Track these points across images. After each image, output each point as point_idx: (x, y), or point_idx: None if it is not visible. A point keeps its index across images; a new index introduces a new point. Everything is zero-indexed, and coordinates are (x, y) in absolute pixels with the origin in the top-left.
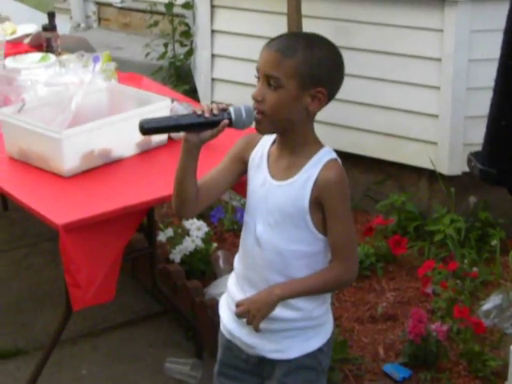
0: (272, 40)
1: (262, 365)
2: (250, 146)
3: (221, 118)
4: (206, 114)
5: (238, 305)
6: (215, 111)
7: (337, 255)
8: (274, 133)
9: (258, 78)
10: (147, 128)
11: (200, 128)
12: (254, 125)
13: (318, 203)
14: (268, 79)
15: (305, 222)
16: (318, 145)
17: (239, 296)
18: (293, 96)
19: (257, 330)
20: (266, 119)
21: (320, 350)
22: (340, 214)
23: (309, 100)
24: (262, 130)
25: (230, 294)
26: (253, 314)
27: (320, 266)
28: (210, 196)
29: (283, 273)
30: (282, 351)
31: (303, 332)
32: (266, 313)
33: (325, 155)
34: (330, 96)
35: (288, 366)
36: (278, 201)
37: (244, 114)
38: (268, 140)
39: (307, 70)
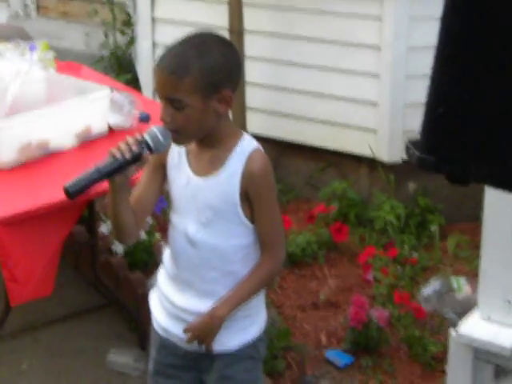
0: (161, 59)
1: (200, 359)
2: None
3: (140, 152)
4: (126, 155)
5: (184, 331)
6: (134, 147)
7: (265, 246)
8: (193, 141)
9: (159, 99)
10: (73, 192)
11: (123, 169)
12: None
13: (246, 195)
14: (171, 102)
15: (237, 215)
16: (238, 134)
17: (178, 297)
18: (200, 109)
19: (211, 351)
20: (181, 136)
21: (259, 338)
22: (266, 204)
23: (216, 105)
24: (181, 145)
25: (163, 291)
26: (202, 339)
27: (254, 256)
28: (145, 212)
29: (221, 268)
30: (222, 344)
31: (240, 322)
32: (214, 335)
33: (247, 146)
34: (235, 89)
35: (228, 357)
36: (207, 198)
37: (161, 137)
38: None
39: (205, 80)
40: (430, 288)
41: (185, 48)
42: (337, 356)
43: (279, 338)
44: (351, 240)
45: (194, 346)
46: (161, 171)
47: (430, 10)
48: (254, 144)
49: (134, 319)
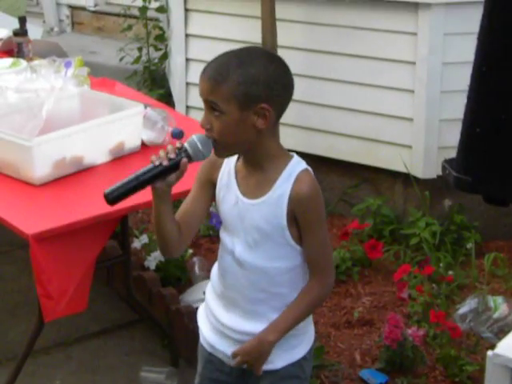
0: (206, 67)
1: (246, 377)
2: (215, 166)
3: (179, 159)
4: (164, 162)
5: (232, 356)
6: (172, 155)
7: (313, 270)
8: (233, 155)
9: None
10: (112, 198)
11: (163, 176)
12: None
13: (294, 217)
14: (210, 105)
15: (284, 238)
16: (286, 156)
17: (223, 314)
18: (236, 119)
19: (258, 373)
20: (219, 146)
21: (304, 358)
22: (315, 227)
23: (255, 118)
24: (221, 156)
25: (210, 307)
26: (251, 364)
27: (301, 278)
28: (192, 229)
29: (267, 290)
30: (269, 362)
31: (287, 341)
32: (264, 361)
33: (295, 167)
34: (280, 109)
35: (273, 376)
36: (254, 220)
37: (200, 146)
38: (233, 156)
39: (242, 90)
40: (466, 307)
41: (229, 57)
42: (371, 375)
43: (313, 357)
44: (386, 257)
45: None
46: (209, 189)
47: (464, 26)
48: (303, 165)
49: (167, 336)
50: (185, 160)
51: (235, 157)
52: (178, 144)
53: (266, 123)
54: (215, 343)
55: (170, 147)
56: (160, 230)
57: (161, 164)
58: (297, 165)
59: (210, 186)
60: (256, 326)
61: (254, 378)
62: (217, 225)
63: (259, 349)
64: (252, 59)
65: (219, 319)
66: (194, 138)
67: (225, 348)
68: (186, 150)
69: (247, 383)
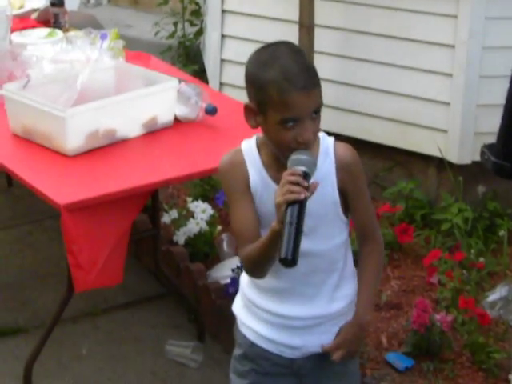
0: (295, 81)
1: (304, 363)
2: (242, 170)
3: (308, 185)
4: (305, 194)
5: (330, 350)
6: (305, 183)
7: (369, 236)
8: None
9: (294, 122)
10: (294, 258)
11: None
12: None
13: (343, 189)
14: (315, 111)
15: (337, 214)
16: None
17: (278, 307)
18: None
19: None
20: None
21: None
22: (364, 190)
23: None
24: None
25: (257, 304)
26: (353, 352)
27: (349, 248)
28: None
29: (327, 269)
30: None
31: (348, 315)
32: (362, 343)
33: (327, 141)
34: None
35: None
36: (307, 208)
37: (308, 158)
38: (250, 151)
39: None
40: (496, 294)
41: (301, 60)
42: (397, 359)
43: None
44: (416, 241)
45: (306, 349)
46: (250, 194)
47: (506, 10)
48: (331, 138)
49: (193, 310)
50: (316, 183)
51: (256, 153)
52: (295, 171)
53: None
54: (274, 337)
55: (293, 178)
56: (267, 263)
57: (305, 197)
58: (327, 139)
59: (248, 191)
60: (320, 308)
61: (311, 363)
62: (220, 203)
63: (361, 334)
64: (300, 49)
65: (276, 312)
66: (302, 156)
67: (284, 339)
68: (305, 173)
69: (304, 371)
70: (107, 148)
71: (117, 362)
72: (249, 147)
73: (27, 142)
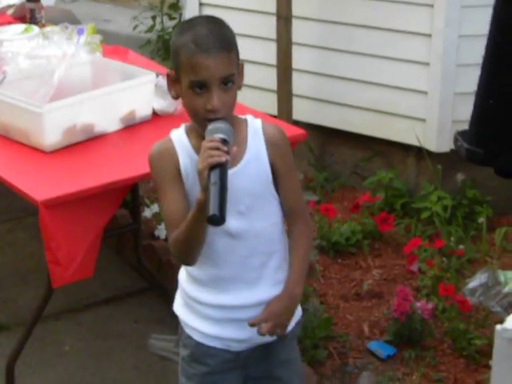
0: (202, 44)
1: (251, 354)
2: (171, 156)
3: (228, 149)
4: (226, 157)
5: (256, 323)
6: (225, 148)
7: (297, 215)
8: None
9: (201, 88)
10: (222, 216)
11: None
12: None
13: (274, 168)
14: (224, 81)
15: (271, 192)
16: (237, 115)
17: (221, 298)
18: (238, 84)
19: (285, 336)
20: (227, 121)
21: (302, 315)
22: (292, 170)
23: (239, 78)
24: None
25: (200, 300)
26: (282, 324)
27: (284, 230)
28: None
29: (266, 251)
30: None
31: None
32: (292, 317)
33: (254, 122)
34: None
35: (284, 340)
36: (242, 186)
37: (228, 127)
38: (179, 138)
39: (236, 50)
40: (476, 281)
41: (215, 27)
42: (379, 347)
43: (321, 328)
44: (396, 230)
45: (253, 341)
46: (180, 182)
47: None
48: (258, 119)
49: None
50: (235, 148)
51: (185, 138)
52: (213, 137)
53: (242, 79)
54: (218, 333)
55: (213, 143)
56: (196, 244)
57: (226, 160)
58: (254, 120)
59: (179, 178)
60: (264, 292)
61: (258, 352)
62: None
63: (291, 306)
64: (222, 21)
65: (220, 304)
66: (218, 124)
67: (230, 333)
68: (224, 139)
69: (250, 361)
70: (85, 143)
71: (100, 358)
72: (177, 134)
73: (4, 138)
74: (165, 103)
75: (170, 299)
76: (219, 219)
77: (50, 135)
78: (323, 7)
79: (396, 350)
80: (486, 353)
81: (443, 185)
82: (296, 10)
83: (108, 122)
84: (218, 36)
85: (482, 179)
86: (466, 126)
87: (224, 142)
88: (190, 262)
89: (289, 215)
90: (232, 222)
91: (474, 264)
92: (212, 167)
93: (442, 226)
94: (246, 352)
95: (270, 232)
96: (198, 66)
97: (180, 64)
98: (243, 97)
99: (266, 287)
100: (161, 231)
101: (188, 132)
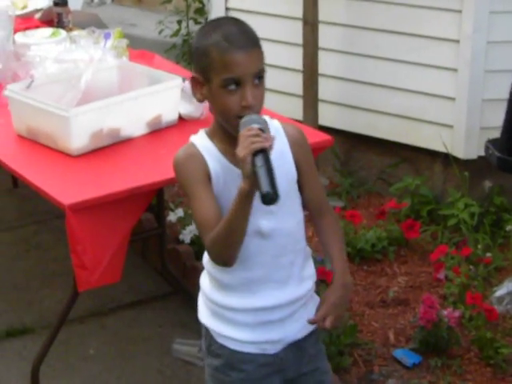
0: (234, 41)
1: (288, 354)
2: (200, 159)
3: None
4: (269, 142)
5: (319, 319)
6: (265, 135)
7: (324, 209)
8: None
9: (236, 85)
10: (276, 192)
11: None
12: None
13: (297, 166)
14: (257, 76)
15: (296, 190)
16: None
17: (251, 302)
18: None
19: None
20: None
21: None
22: (314, 168)
23: None
24: None
25: (231, 306)
26: (341, 316)
27: (304, 224)
28: None
29: (293, 249)
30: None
31: (313, 298)
32: (347, 306)
33: (274, 123)
34: None
35: (313, 337)
36: None
37: (262, 119)
38: (202, 143)
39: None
40: (504, 289)
41: (242, 25)
42: (405, 355)
43: (346, 335)
44: (423, 237)
45: (286, 340)
46: (210, 186)
47: (510, 5)
48: (275, 119)
49: None
50: (274, 135)
51: (208, 142)
52: (252, 126)
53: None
54: (252, 338)
55: (251, 131)
56: (238, 239)
57: (270, 146)
58: (273, 121)
59: (208, 181)
60: (292, 291)
61: (295, 350)
62: None
63: (346, 295)
64: (244, 21)
65: (252, 307)
66: (252, 117)
67: (264, 336)
68: (260, 129)
69: (284, 364)
70: (111, 147)
71: (124, 362)
72: (200, 139)
73: (31, 142)
74: (191, 108)
75: (194, 304)
76: (273, 195)
77: (77, 139)
78: (350, 12)
79: (422, 358)
80: None
81: (470, 192)
82: (322, 15)
83: (134, 126)
84: (248, 33)
85: (509, 186)
86: (494, 133)
87: (261, 131)
88: (230, 260)
89: (317, 211)
90: (263, 222)
91: (502, 272)
92: (254, 154)
93: (469, 234)
94: (281, 353)
95: (297, 230)
96: (233, 62)
97: (210, 64)
98: (269, 101)
99: (295, 285)
100: (185, 236)
101: (210, 136)
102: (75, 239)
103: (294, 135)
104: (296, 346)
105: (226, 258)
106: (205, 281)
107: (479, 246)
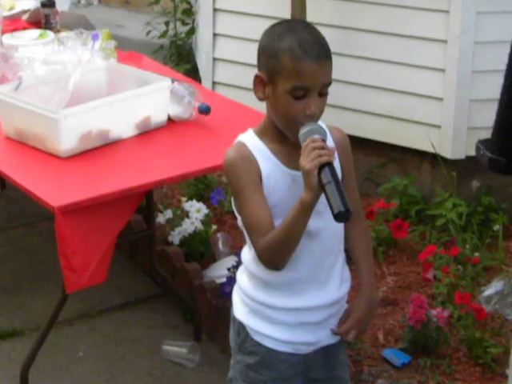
0: (310, 50)
1: (317, 356)
2: (252, 160)
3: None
4: (332, 158)
5: (343, 332)
6: (329, 148)
7: (358, 215)
8: None
9: (303, 93)
10: (348, 209)
11: None
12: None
13: (341, 168)
14: (323, 88)
15: None
16: None
17: (294, 302)
18: None
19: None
20: None
21: None
22: (353, 173)
23: None
24: None
25: (274, 305)
26: (364, 330)
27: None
28: None
29: (336, 250)
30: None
31: (344, 300)
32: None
33: (320, 122)
34: None
35: (342, 341)
36: None
37: (319, 127)
38: (253, 142)
39: None
40: (492, 289)
41: (316, 33)
42: (394, 355)
43: None
44: (411, 237)
45: (320, 343)
46: (261, 187)
47: (497, 5)
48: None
49: (190, 310)
50: (333, 148)
51: (258, 142)
52: (314, 138)
53: None
54: (290, 338)
55: (317, 143)
56: (293, 245)
57: (332, 159)
58: (321, 123)
59: (260, 183)
60: (333, 292)
61: (324, 353)
62: (214, 202)
63: (373, 311)
64: (316, 27)
65: (295, 307)
66: (314, 126)
67: (302, 337)
68: (323, 140)
69: (313, 364)
70: (100, 149)
71: (114, 364)
72: (250, 139)
73: (20, 144)
74: (180, 109)
75: (183, 305)
76: (346, 213)
77: (66, 141)
78: (337, 13)
79: (411, 358)
80: (502, 361)
81: (458, 192)
82: (310, 15)
83: (123, 127)
84: (323, 43)
85: (497, 186)
86: (481, 133)
87: (323, 141)
88: (282, 265)
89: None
90: (313, 222)
91: (490, 272)
92: (321, 167)
93: (457, 234)
94: (312, 355)
95: (340, 231)
96: (306, 72)
97: (281, 68)
98: (257, 102)
99: (335, 287)
100: (174, 237)
101: (260, 136)
102: (64, 241)
103: (340, 138)
104: (325, 350)
105: (278, 263)
106: (243, 278)
107: (467, 246)
